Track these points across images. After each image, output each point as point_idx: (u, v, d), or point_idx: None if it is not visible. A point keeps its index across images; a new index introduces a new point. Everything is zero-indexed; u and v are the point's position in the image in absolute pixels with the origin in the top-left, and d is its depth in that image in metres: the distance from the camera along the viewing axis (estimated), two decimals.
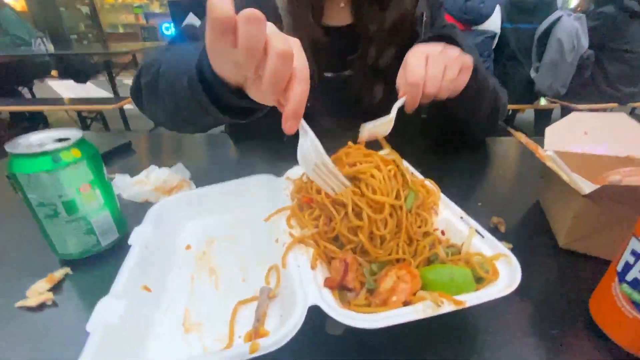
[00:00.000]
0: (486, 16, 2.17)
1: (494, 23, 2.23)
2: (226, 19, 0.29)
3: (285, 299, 0.33)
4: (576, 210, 0.40)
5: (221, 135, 0.88)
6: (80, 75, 3.60)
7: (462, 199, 0.43)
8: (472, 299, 0.29)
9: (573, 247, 0.43)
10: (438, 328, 0.33)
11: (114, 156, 0.73)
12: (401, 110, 0.49)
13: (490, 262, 0.33)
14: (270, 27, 0.31)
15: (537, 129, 2.71)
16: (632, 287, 0.29)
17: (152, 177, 0.56)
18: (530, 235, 0.47)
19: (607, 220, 0.39)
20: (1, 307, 0.37)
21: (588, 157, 0.49)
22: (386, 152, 0.42)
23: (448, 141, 0.76)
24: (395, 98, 0.50)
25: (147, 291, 0.36)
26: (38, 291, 0.38)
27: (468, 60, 0.53)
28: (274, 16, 0.61)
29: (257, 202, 0.49)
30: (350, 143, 0.42)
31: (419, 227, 0.40)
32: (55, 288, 0.40)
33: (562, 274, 0.40)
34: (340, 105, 0.67)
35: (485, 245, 0.35)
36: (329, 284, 0.33)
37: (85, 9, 6.37)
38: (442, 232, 0.40)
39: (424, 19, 0.65)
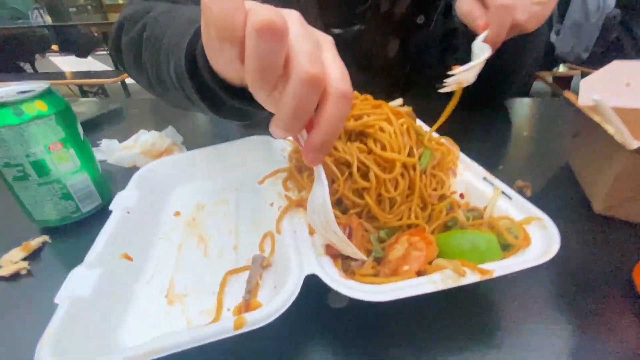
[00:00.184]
0: None
1: None
2: (228, 26, 0.20)
3: (280, 268, 0.29)
4: (619, 170, 0.35)
5: None
6: (81, 49, 3.52)
7: (480, 161, 0.37)
8: (500, 267, 0.24)
9: (611, 213, 0.37)
10: (456, 302, 0.29)
11: (104, 122, 0.69)
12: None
13: (520, 226, 0.28)
14: (294, 18, 0.21)
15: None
16: None
17: (140, 140, 0.51)
18: (560, 201, 0.41)
19: None
20: None
21: (631, 112, 0.43)
22: (398, 103, 0.36)
23: (469, 97, 0.68)
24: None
25: (128, 260, 0.32)
26: (11, 260, 0.35)
27: None
28: None
29: (252, 165, 0.44)
30: (356, 93, 0.37)
31: (434, 189, 0.35)
32: (32, 257, 0.36)
33: (598, 243, 0.35)
34: (351, 65, 0.60)
35: (514, 207, 0.30)
36: (330, 251, 0.28)
37: None
38: (461, 195, 0.35)
39: None
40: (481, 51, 0.36)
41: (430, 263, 0.27)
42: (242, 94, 0.28)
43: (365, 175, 0.32)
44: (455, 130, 0.40)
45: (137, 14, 0.47)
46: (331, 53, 0.22)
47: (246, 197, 0.41)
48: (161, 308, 0.29)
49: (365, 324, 0.28)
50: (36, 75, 3.07)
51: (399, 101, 0.36)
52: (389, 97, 0.39)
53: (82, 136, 0.38)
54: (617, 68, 0.47)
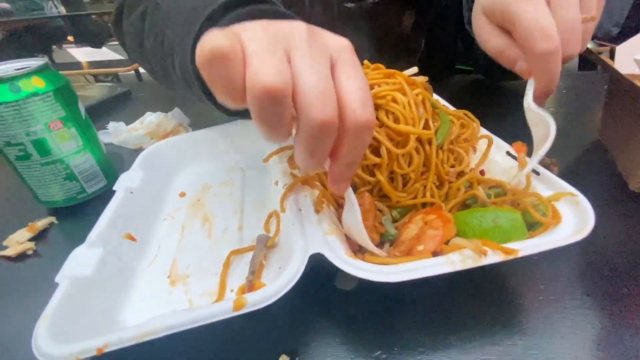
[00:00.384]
0: None
1: None
2: (228, 91, 0.18)
3: (285, 248, 0.27)
4: None
5: None
6: (96, 39, 3.56)
7: (502, 137, 0.34)
8: (527, 247, 0.22)
9: None
10: (476, 285, 0.27)
11: (112, 106, 0.68)
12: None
13: (549, 203, 0.25)
14: (298, 35, 0.19)
15: None
16: None
17: (146, 122, 0.50)
18: (591, 179, 0.38)
19: None
20: None
21: None
22: (413, 71, 0.33)
23: (499, 69, 0.64)
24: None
25: (132, 240, 0.31)
26: (18, 241, 0.34)
27: None
28: None
29: (259, 144, 0.42)
30: (367, 62, 0.34)
31: (452, 166, 0.32)
32: (39, 237, 0.36)
33: (635, 223, 0.32)
34: (364, 40, 0.57)
35: (542, 184, 0.27)
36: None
37: None
38: (482, 172, 0.33)
39: None
40: (540, 120, 0.28)
41: (446, 243, 0.24)
42: None
43: (376, 151, 0.30)
44: (475, 103, 0.37)
45: None
46: (347, 68, 0.19)
47: (252, 177, 0.40)
48: (163, 289, 0.28)
49: (377, 306, 0.26)
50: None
51: (414, 69, 0.33)
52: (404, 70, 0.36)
53: (83, 115, 0.37)
54: None
